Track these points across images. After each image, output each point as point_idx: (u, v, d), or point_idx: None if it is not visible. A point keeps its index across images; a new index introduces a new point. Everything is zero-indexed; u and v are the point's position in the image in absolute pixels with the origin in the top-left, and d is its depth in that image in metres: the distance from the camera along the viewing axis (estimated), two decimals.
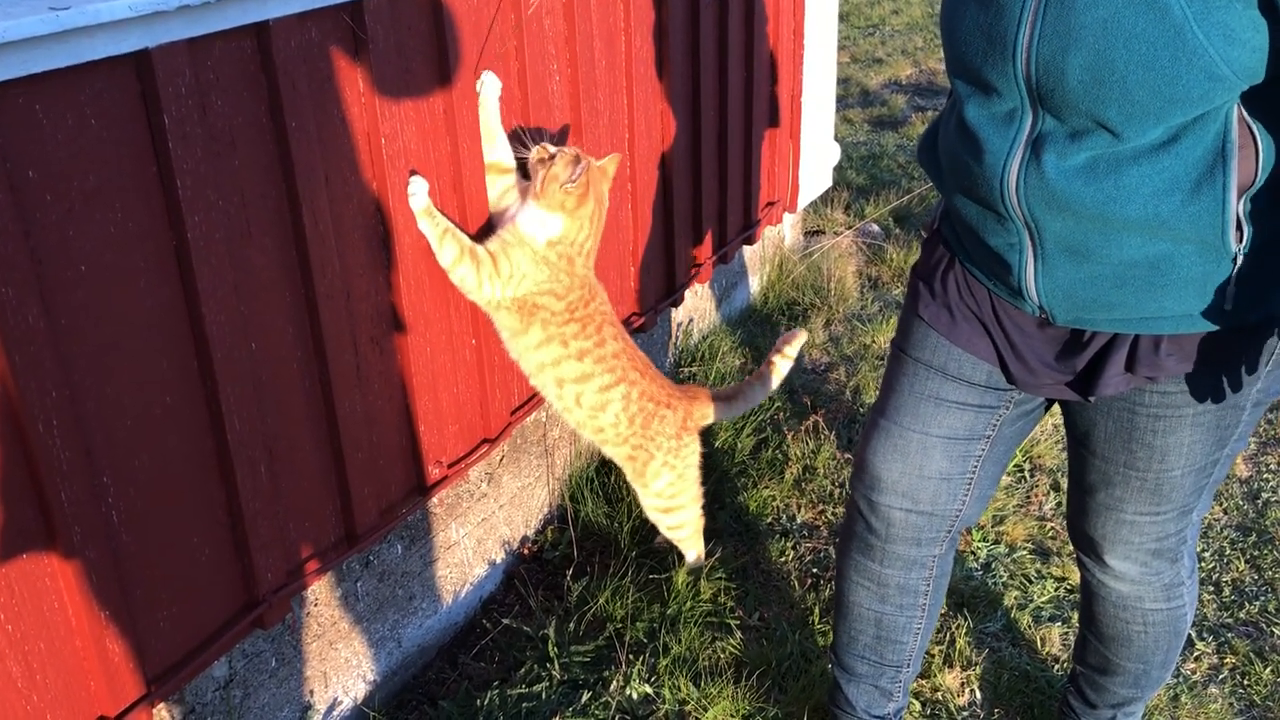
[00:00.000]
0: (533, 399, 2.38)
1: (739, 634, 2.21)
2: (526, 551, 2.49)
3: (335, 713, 2.01)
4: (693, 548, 2.35)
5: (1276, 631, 2.34)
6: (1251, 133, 1.21)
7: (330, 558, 1.86)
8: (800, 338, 2.36)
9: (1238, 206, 1.22)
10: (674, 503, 2.28)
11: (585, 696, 2.00)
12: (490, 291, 1.98)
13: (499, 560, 2.42)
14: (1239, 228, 1.24)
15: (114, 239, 1.40)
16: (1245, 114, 1.20)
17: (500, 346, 2.22)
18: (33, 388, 1.32)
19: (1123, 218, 1.24)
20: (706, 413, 2.29)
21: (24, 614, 1.38)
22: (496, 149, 2.02)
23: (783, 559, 2.46)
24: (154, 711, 1.60)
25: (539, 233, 1.99)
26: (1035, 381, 1.49)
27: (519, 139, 2.08)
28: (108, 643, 1.48)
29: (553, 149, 2.00)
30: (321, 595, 1.94)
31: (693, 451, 2.28)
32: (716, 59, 2.90)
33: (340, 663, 2.01)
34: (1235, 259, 1.26)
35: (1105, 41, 1.14)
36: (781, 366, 2.35)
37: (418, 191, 1.87)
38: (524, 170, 2.05)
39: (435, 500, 2.16)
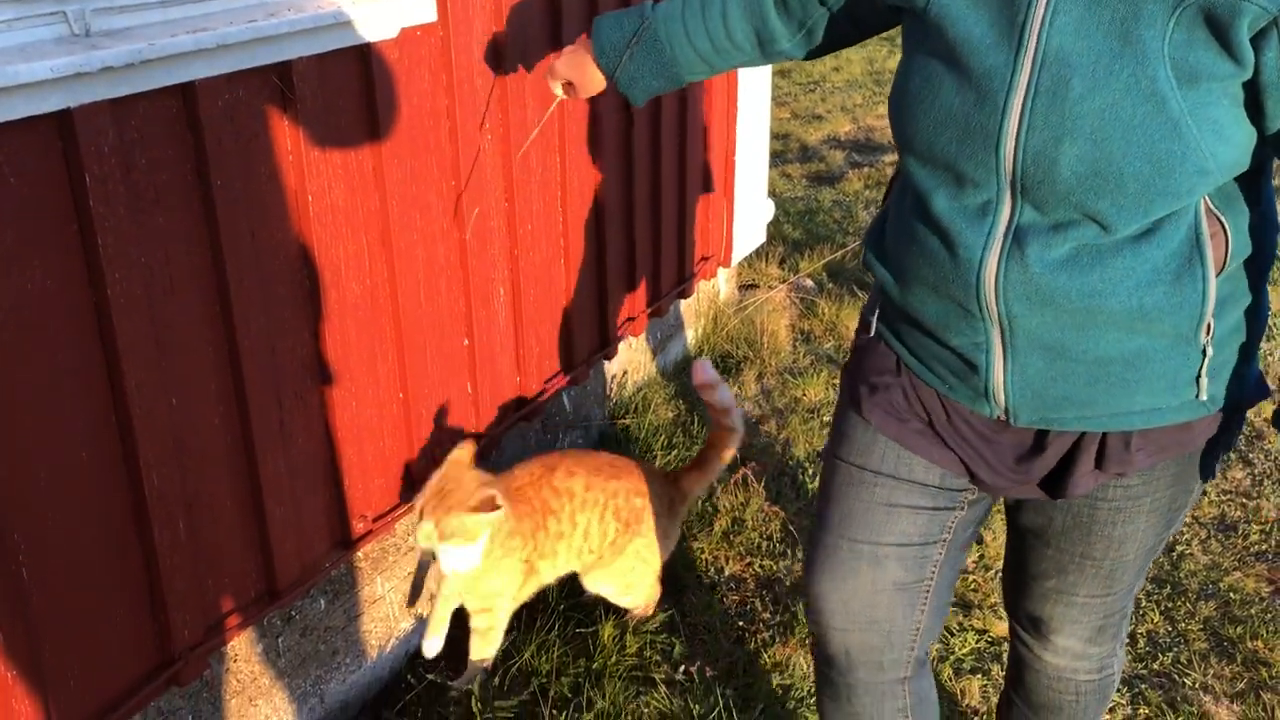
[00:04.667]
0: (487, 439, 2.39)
1: (664, 688, 2.22)
2: None
3: None
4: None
5: (1187, 682, 2.40)
6: (1220, 221, 1.22)
7: (250, 613, 1.85)
8: (701, 364, 2.34)
9: (1214, 296, 1.23)
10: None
11: None
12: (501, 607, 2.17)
13: (425, 614, 2.41)
14: (1210, 319, 1.25)
15: (32, 295, 1.41)
16: (1211, 204, 1.21)
17: (428, 400, 2.23)
18: None
19: (1107, 310, 1.22)
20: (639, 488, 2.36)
21: None
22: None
23: (709, 612, 2.48)
24: None
25: (474, 555, 2.06)
26: (1002, 485, 1.44)
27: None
28: (14, 703, 1.46)
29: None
30: (241, 651, 1.92)
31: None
32: (650, 121, 2.96)
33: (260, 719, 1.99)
34: (1205, 350, 1.27)
35: (1103, 132, 1.12)
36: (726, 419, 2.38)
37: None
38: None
39: (360, 554, 2.16)
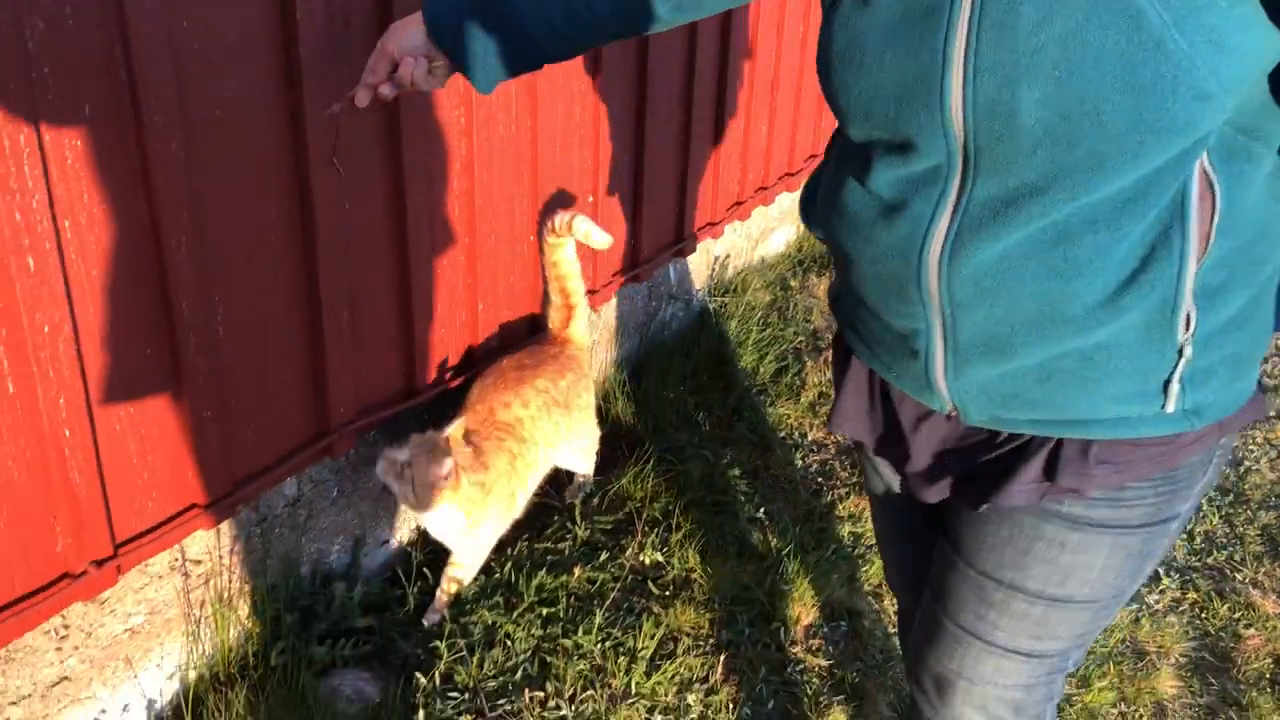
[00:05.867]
0: (596, 294, 2.61)
1: (745, 522, 2.45)
2: None
3: (384, 548, 2.27)
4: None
5: (1238, 577, 2.54)
6: (1210, 181, 0.98)
7: (393, 404, 2.10)
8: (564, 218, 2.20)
9: (1192, 279, 1.00)
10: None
11: (603, 556, 2.25)
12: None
13: None
14: (1188, 311, 1.02)
15: (242, 92, 1.64)
16: (1207, 159, 0.97)
17: None
18: (169, 207, 1.56)
19: (1068, 295, 1.01)
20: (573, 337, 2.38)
21: (140, 400, 1.63)
22: None
23: (790, 467, 2.69)
24: (234, 510, 1.85)
25: (459, 523, 2.03)
26: (926, 486, 1.25)
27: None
28: (205, 440, 1.73)
29: (401, 456, 1.95)
30: (381, 442, 2.18)
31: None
32: (778, 5, 3.10)
33: (391, 505, 2.26)
34: (1181, 350, 1.04)
35: (1068, 65, 0.90)
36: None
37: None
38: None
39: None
